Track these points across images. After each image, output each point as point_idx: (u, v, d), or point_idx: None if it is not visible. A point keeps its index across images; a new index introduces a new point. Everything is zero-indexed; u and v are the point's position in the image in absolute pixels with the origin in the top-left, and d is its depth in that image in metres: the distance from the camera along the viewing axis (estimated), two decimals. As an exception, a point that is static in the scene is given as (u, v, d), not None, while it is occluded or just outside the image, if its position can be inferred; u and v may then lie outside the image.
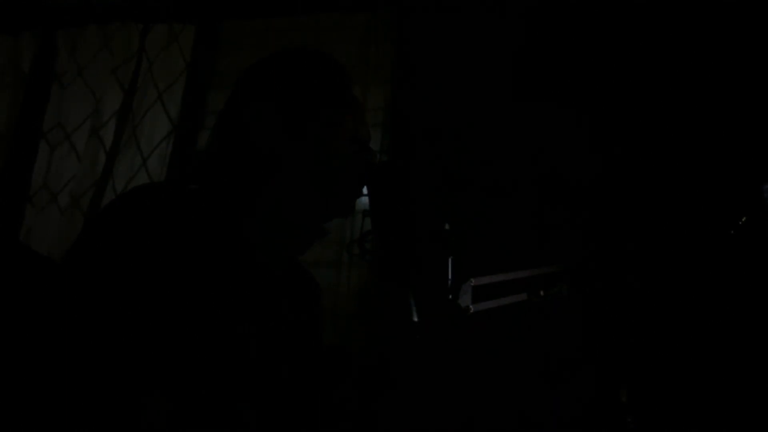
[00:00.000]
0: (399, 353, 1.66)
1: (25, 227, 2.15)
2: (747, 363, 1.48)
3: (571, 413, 1.57)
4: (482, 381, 1.64)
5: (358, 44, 2.10)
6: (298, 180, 0.92)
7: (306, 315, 1.00)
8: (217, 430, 0.78)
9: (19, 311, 0.76)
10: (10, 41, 2.40)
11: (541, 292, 1.22)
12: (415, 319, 0.90)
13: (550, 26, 1.95)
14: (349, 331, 1.80)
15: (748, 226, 1.41)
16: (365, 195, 0.98)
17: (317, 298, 1.06)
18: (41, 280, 0.92)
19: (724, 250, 1.54)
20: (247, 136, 0.93)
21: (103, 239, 0.77)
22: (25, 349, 0.71)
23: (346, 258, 1.87)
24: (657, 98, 1.80)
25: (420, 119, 1.98)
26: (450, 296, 1.08)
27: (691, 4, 1.81)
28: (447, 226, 1.42)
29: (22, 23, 2.42)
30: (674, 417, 1.50)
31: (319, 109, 0.95)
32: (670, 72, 1.80)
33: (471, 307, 1.09)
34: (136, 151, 2.19)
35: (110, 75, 2.28)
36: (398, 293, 0.92)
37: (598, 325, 1.62)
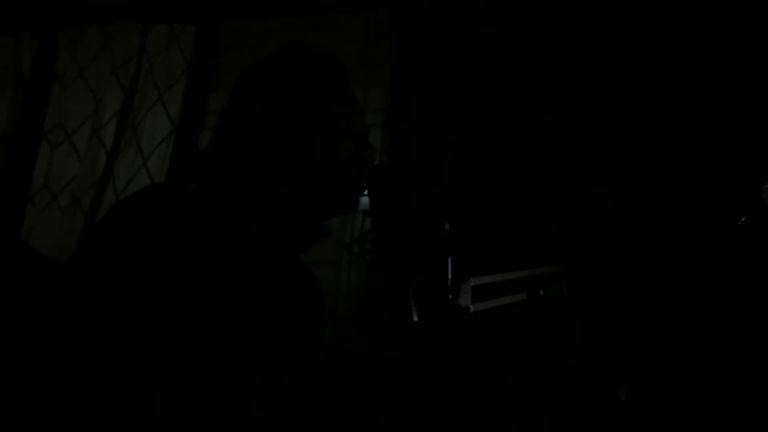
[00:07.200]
0: (399, 353, 1.66)
1: (26, 227, 2.15)
2: (747, 362, 1.49)
3: (571, 413, 1.57)
4: (482, 381, 1.64)
5: (357, 44, 2.10)
6: (300, 177, 0.93)
7: (307, 313, 1.01)
8: (225, 430, 0.78)
9: (22, 310, 0.76)
10: (11, 41, 2.41)
11: (541, 292, 1.22)
12: (415, 319, 0.90)
13: (549, 28, 1.96)
14: (349, 331, 1.80)
15: (747, 226, 1.41)
16: (365, 195, 0.98)
17: (319, 296, 1.07)
18: (43, 279, 0.92)
19: (724, 250, 1.55)
20: (249, 134, 0.93)
21: (110, 239, 0.77)
22: (30, 347, 0.71)
23: (346, 258, 1.87)
24: (657, 98, 1.80)
25: (419, 119, 1.98)
26: (450, 296, 1.09)
27: (689, 4, 1.81)
28: (447, 226, 1.43)
29: (23, 24, 2.42)
30: (674, 417, 1.50)
31: (320, 105, 0.95)
32: (669, 71, 1.80)
33: (471, 306, 1.09)
34: (136, 151, 2.20)
35: (111, 75, 2.28)
36: (398, 293, 0.92)
37: (598, 325, 1.62)
